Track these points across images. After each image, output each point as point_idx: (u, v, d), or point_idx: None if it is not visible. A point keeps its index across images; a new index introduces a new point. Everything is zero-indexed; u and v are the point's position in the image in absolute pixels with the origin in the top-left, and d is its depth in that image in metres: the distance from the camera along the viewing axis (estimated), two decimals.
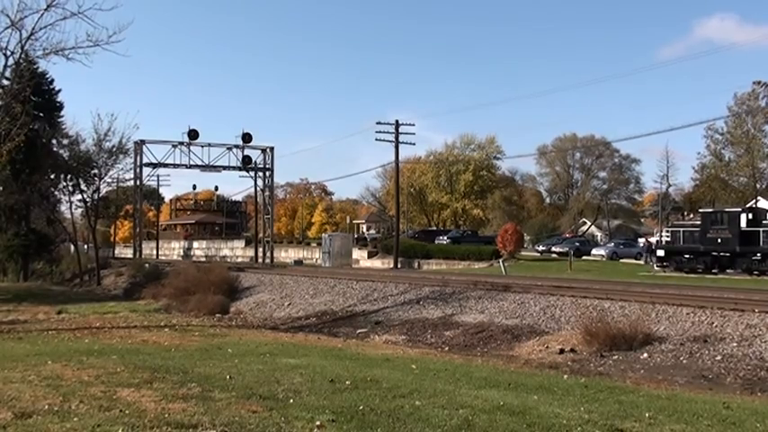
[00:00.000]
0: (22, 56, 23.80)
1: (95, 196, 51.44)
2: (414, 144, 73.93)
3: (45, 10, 21.48)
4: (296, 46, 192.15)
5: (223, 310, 30.91)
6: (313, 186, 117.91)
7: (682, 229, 39.07)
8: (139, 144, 55.62)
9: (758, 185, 60.12)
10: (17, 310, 30.95)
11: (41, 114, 48.98)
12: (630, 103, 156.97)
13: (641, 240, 56.75)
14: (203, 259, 64.91)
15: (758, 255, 33.94)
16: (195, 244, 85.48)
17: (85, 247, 69.37)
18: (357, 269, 48.95)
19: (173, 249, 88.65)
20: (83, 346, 16.18)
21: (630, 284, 28.44)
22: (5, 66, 23.20)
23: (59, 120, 54.06)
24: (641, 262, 44.93)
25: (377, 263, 57.65)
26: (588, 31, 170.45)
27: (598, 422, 7.63)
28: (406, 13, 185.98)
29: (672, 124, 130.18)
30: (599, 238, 74.86)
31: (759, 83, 60.50)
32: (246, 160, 61.10)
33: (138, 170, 56.79)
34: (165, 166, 59.02)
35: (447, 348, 19.68)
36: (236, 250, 77.22)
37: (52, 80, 53.80)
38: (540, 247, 57.70)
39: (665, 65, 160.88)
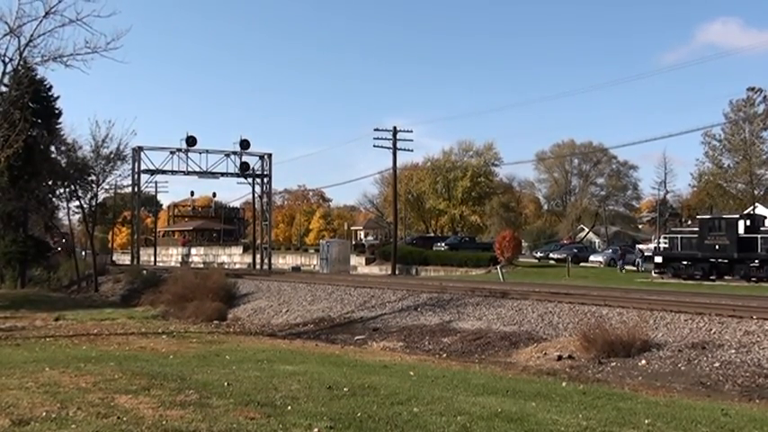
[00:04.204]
0: (21, 62, 23.84)
1: (93, 203, 51.36)
2: (412, 150, 73.79)
3: (44, 17, 21.53)
4: (294, 53, 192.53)
5: (221, 316, 30.87)
6: (311, 193, 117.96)
7: (679, 236, 39.06)
8: (137, 150, 55.61)
9: (756, 192, 60.23)
10: (15, 317, 30.87)
11: (39, 121, 48.89)
12: (630, 109, 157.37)
13: (638, 247, 56.84)
14: (201, 266, 64.74)
15: (756, 261, 33.95)
16: (193, 250, 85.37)
17: (83, 253, 69.29)
18: (355, 276, 48.91)
19: (171, 256, 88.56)
20: (80, 353, 16.17)
21: (628, 291, 28.48)
22: (4, 72, 23.24)
23: (57, 126, 53.96)
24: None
25: (375, 269, 57.63)
26: (588, 37, 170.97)
27: (596, 429, 7.64)
28: (404, 20, 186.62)
29: (672, 130, 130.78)
30: (597, 244, 74.86)
31: (753, 89, 60.74)
32: (244, 167, 61.13)
33: (135, 177, 56.78)
34: (163, 172, 59.02)
35: (445, 355, 19.66)
36: (233, 257, 77.16)
37: (50, 87, 53.74)
38: (538, 254, 57.70)
39: (666, 71, 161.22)
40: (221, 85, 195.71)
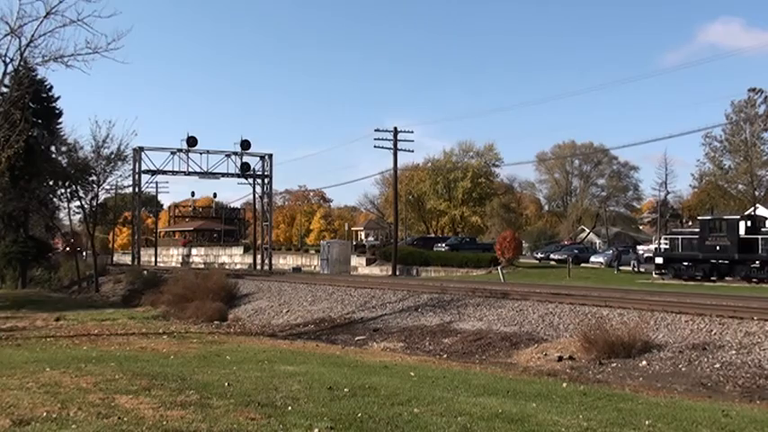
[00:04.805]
0: (22, 63, 23.84)
1: (94, 203, 51.37)
2: (412, 151, 74.01)
3: (44, 17, 21.51)
4: (295, 53, 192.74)
5: (221, 316, 30.87)
6: (311, 193, 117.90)
7: (680, 237, 39.05)
8: (138, 151, 55.60)
9: (757, 193, 60.16)
10: (16, 317, 30.92)
11: (40, 121, 49.02)
12: (631, 110, 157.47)
13: (638, 248, 56.88)
14: (202, 266, 64.80)
15: (757, 262, 33.92)
16: (194, 251, 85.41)
17: (84, 253, 69.30)
18: (355, 276, 48.90)
19: (171, 256, 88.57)
20: (81, 353, 16.16)
21: (629, 292, 28.46)
22: (5, 73, 23.23)
23: (58, 126, 54.12)
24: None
25: (375, 270, 57.60)
26: (589, 38, 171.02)
27: (597, 430, 7.63)
28: (404, 21, 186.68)
29: (672, 131, 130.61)
30: (598, 245, 74.88)
31: (754, 90, 60.68)
32: (245, 167, 61.09)
33: (136, 177, 56.75)
34: (164, 173, 58.97)
35: (445, 356, 19.65)
36: (234, 257, 77.15)
37: (51, 87, 53.95)
38: (539, 255, 57.67)
39: (667, 71, 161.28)
40: (222, 86, 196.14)
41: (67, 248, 61.85)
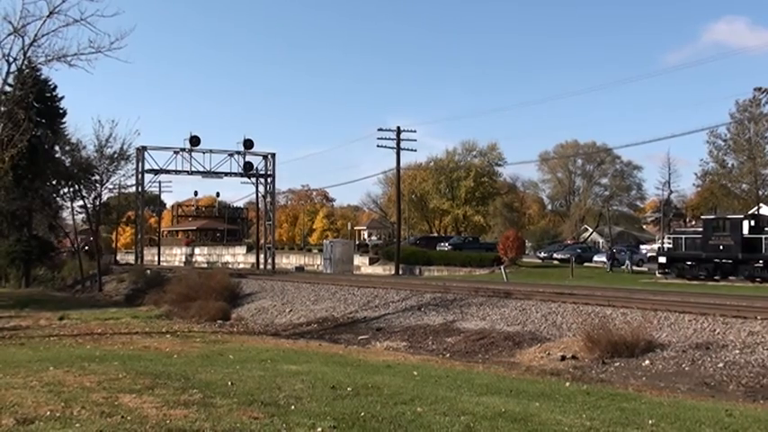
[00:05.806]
0: (25, 62, 23.88)
1: (97, 202, 51.44)
2: (415, 150, 73.43)
3: (48, 17, 21.60)
4: (298, 53, 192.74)
5: (224, 316, 30.87)
6: (314, 193, 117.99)
7: (683, 236, 39.00)
8: (141, 150, 55.61)
9: (760, 192, 60.08)
10: (19, 316, 30.94)
11: (44, 121, 49.03)
12: (634, 109, 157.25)
13: (640, 249, 56.86)
14: (205, 265, 64.88)
15: (760, 262, 33.85)
16: (197, 250, 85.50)
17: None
18: (358, 276, 48.91)
19: (174, 255, 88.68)
20: (84, 353, 16.19)
21: (632, 291, 28.42)
22: (8, 72, 23.32)
23: (62, 126, 54.17)
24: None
25: (378, 269, 57.60)
26: (592, 37, 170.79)
27: (600, 429, 7.63)
28: (408, 20, 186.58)
29: (676, 131, 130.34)
30: (601, 244, 74.82)
31: (760, 89, 60.55)
32: (248, 166, 61.07)
33: (139, 176, 56.76)
34: (167, 172, 58.97)
35: (448, 355, 19.63)
36: (237, 256, 77.24)
37: (55, 86, 53.98)
38: (542, 254, 57.66)
39: (670, 71, 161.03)
40: (225, 86, 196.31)
41: (86, 247, 61.85)
